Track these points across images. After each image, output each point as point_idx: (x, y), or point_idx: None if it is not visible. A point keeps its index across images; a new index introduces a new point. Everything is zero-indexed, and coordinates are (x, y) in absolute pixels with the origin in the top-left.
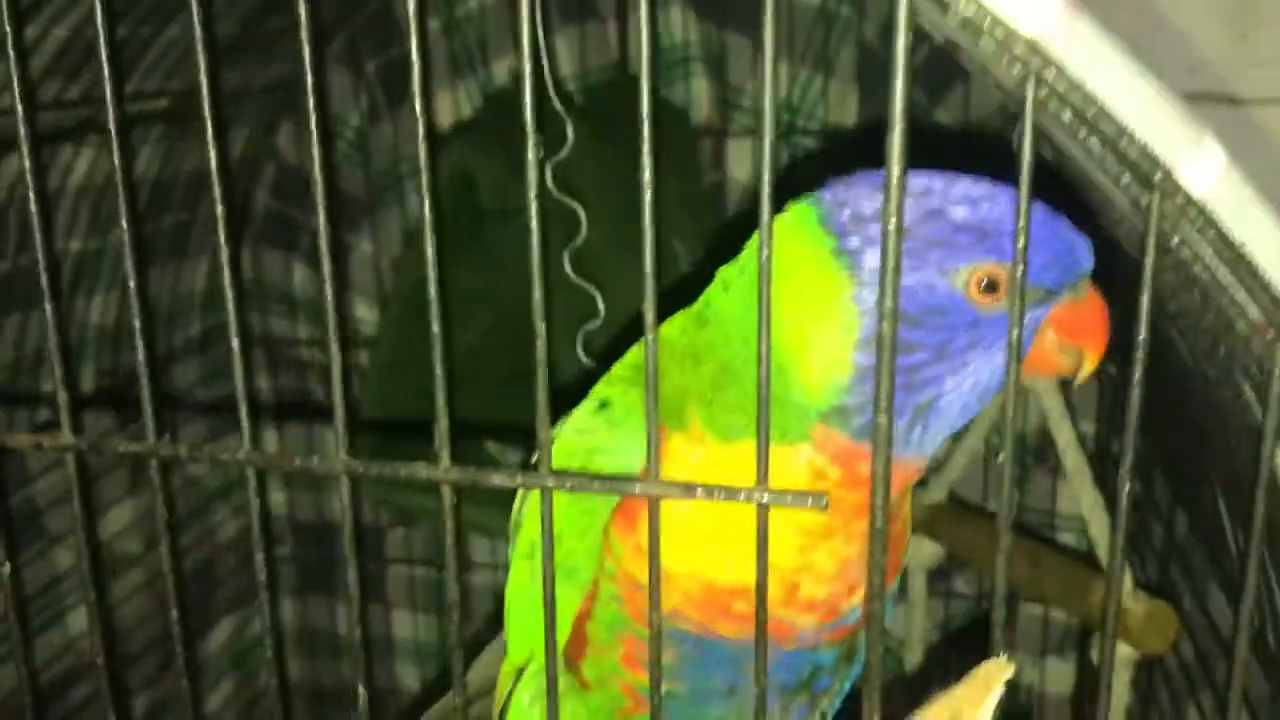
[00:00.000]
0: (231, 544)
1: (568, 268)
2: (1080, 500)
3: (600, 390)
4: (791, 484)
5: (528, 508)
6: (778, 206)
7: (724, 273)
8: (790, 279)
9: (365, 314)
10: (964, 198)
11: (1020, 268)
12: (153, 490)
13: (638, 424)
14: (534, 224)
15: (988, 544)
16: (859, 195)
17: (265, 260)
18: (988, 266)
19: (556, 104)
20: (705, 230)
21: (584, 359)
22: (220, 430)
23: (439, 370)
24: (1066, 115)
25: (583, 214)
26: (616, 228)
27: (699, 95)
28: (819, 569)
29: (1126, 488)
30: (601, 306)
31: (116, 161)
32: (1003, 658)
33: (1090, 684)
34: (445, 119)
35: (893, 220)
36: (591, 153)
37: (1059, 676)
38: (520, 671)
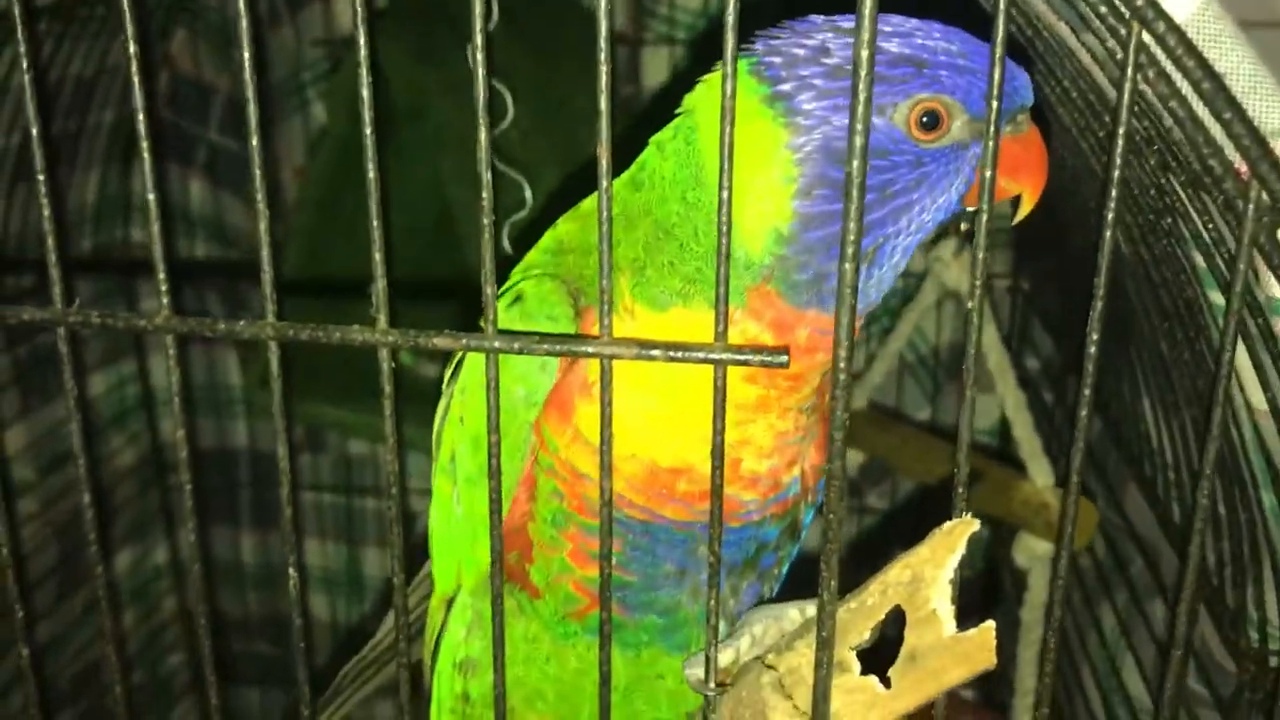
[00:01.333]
0: (128, 473)
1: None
2: (1004, 401)
3: (514, 282)
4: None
5: (450, 416)
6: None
7: (658, 137)
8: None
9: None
10: (895, 31)
11: (991, 144)
12: (63, 382)
13: (552, 312)
14: (480, 70)
15: (908, 448)
16: (790, 41)
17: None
18: (927, 100)
19: None
20: (620, 136)
21: (510, 251)
22: (119, 350)
23: (376, 225)
24: None
25: (509, 96)
26: (539, 121)
27: (615, 2)
28: (759, 443)
29: (1079, 448)
30: (529, 195)
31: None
32: (966, 516)
33: (1012, 581)
34: (347, 19)
35: (865, 50)
36: (512, 42)
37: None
38: (450, 603)
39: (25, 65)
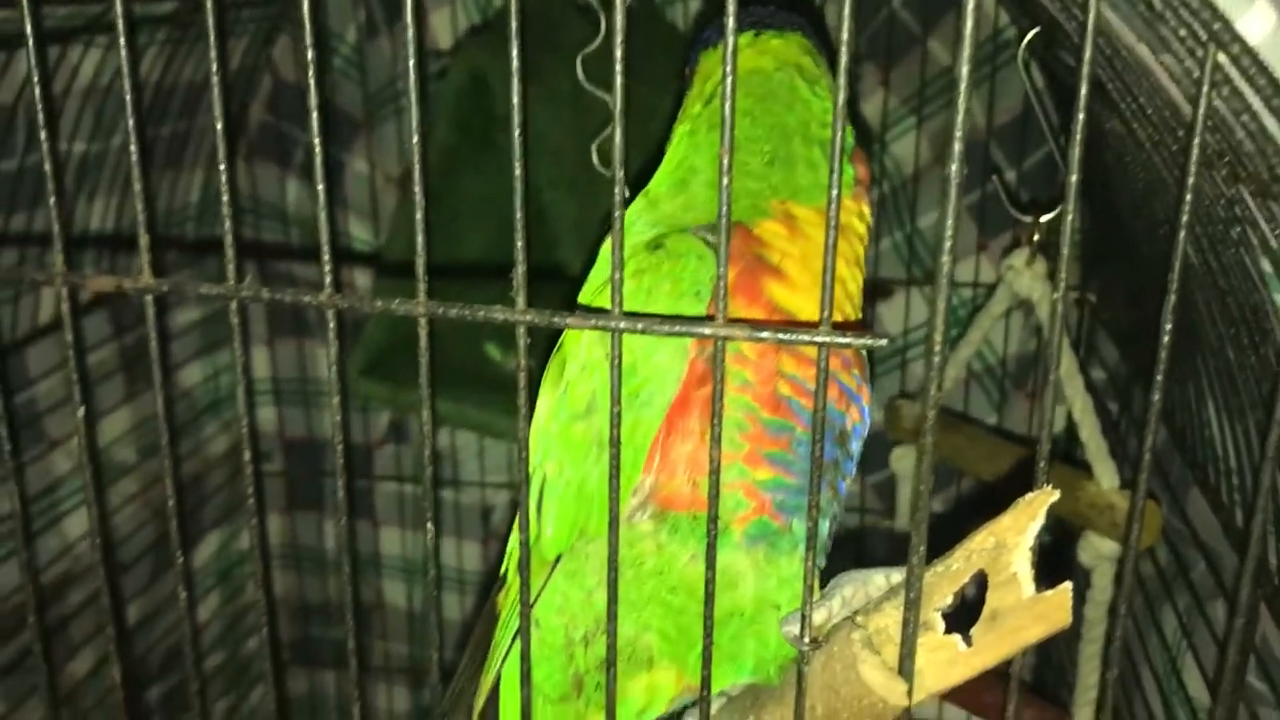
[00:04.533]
0: (221, 459)
1: (595, 159)
2: (1072, 404)
3: (629, 238)
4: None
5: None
6: None
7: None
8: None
9: (360, 233)
10: None
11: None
12: (231, 335)
13: (700, 250)
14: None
15: (976, 449)
16: None
17: (259, 174)
18: None
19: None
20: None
21: None
22: (216, 343)
23: (520, 215)
24: None
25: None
26: (637, 131)
27: (694, 17)
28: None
29: (1149, 442)
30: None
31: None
32: (1047, 487)
33: (1075, 581)
34: (444, 37)
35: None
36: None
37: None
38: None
39: (126, 72)
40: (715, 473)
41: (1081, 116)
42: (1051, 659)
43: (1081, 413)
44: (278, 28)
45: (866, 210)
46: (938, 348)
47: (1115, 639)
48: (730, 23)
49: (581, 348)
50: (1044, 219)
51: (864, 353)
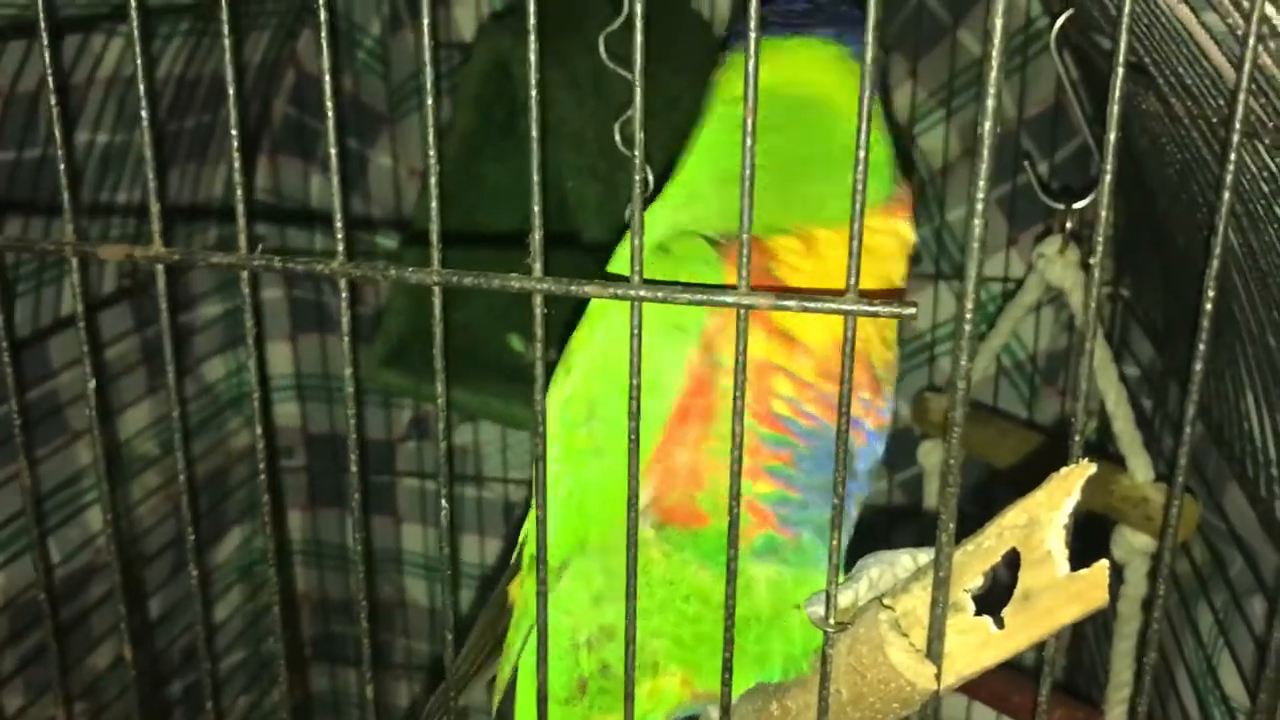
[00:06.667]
0: (244, 454)
1: (618, 138)
2: (1105, 395)
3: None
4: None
5: (588, 373)
6: None
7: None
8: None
9: (383, 227)
10: None
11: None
12: (244, 304)
13: (707, 256)
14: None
15: (1007, 442)
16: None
17: (282, 168)
18: None
19: None
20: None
21: None
22: (238, 337)
23: (536, 180)
24: None
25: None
26: (661, 120)
27: (722, 8)
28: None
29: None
30: (650, 178)
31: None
32: (1084, 461)
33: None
34: (468, 27)
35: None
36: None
37: None
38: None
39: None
40: (738, 447)
41: (1120, 68)
42: (1083, 662)
43: (1115, 404)
44: (301, 20)
45: (904, 228)
46: (972, 287)
47: (1153, 630)
48: (752, 35)
49: (582, 354)
50: (1077, 206)
51: (887, 373)
